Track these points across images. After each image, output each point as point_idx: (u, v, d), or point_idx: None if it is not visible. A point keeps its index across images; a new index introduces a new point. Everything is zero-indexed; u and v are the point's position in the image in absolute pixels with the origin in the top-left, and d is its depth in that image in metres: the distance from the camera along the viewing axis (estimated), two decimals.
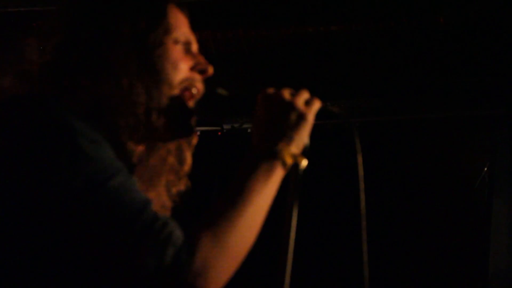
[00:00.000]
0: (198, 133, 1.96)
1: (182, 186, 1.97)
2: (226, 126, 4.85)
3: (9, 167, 1.55)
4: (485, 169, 4.57)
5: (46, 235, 1.55)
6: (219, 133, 4.81)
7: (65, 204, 1.51)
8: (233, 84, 2.02)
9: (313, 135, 1.84)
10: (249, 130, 4.93)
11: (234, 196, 1.66)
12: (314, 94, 1.87)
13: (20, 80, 1.78)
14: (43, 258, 1.56)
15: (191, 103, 1.89)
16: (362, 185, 1.86)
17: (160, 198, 1.92)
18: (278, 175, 1.75)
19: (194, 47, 1.93)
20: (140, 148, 1.85)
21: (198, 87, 1.90)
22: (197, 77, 1.90)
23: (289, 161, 1.77)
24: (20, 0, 4.13)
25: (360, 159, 1.88)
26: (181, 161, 1.95)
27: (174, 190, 1.96)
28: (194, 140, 1.97)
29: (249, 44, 4.66)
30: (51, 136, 1.55)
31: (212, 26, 1.97)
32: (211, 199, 2.07)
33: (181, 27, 1.89)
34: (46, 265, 1.57)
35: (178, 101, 1.84)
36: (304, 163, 1.82)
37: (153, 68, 1.78)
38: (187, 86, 1.87)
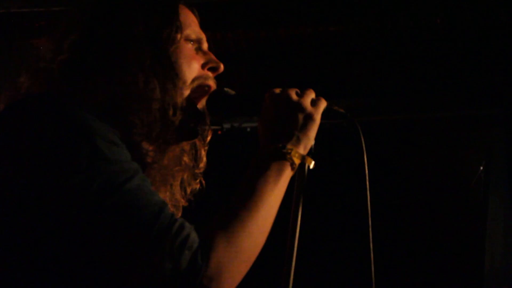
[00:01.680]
0: (219, 131, 1.94)
1: (196, 185, 1.98)
2: (225, 125, 4.87)
3: (28, 167, 1.54)
4: (481, 168, 4.57)
5: (62, 236, 1.54)
6: (219, 132, 4.82)
7: (83, 205, 1.50)
8: (232, 85, 1.95)
9: (317, 134, 1.84)
10: (248, 129, 4.96)
11: (246, 198, 1.65)
12: (316, 92, 1.86)
13: (36, 79, 1.77)
14: (59, 258, 1.55)
15: (203, 102, 1.90)
16: (367, 185, 1.85)
17: (174, 198, 1.93)
18: (287, 176, 1.74)
19: (205, 45, 1.94)
20: (152, 148, 1.82)
21: (211, 85, 1.90)
22: (209, 75, 1.90)
23: (297, 162, 1.76)
24: (22, 1, 4.10)
25: (365, 160, 1.87)
26: (196, 160, 1.96)
27: (188, 189, 1.97)
28: (209, 137, 1.97)
29: (249, 45, 4.67)
30: (69, 137, 1.54)
31: (212, 27, 1.99)
32: (211, 198, 2.07)
33: (191, 25, 1.90)
34: (62, 266, 1.55)
35: (189, 104, 1.84)
36: (312, 164, 1.83)
37: (167, 64, 1.78)
38: (199, 84, 1.87)
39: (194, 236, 1.52)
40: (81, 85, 1.70)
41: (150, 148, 1.78)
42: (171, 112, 1.77)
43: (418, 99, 5.02)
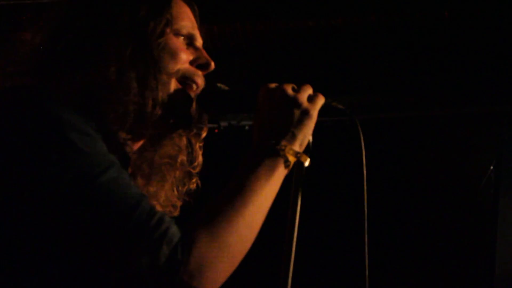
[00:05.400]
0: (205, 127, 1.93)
1: (192, 184, 1.94)
2: (223, 123, 4.84)
3: None
4: (491, 167, 4.50)
5: (36, 232, 1.52)
6: (216, 130, 4.80)
7: (56, 199, 1.48)
8: (230, 80, 1.94)
9: (315, 132, 1.80)
10: (246, 128, 4.94)
11: (234, 194, 1.62)
12: (316, 89, 1.81)
13: (9, 71, 1.76)
14: (35, 254, 1.53)
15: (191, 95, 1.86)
16: (365, 186, 1.82)
17: (169, 196, 1.90)
18: (280, 173, 1.71)
19: (198, 41, 1.90)
20: (142, 143, 1.82)
21: (198, 82, 1.85)
22: (198, 72, 1.86)
23: (292, 159, 1.73)
24: None
25: (364, 158, 1.83)
26: (191, 159, 1.93)
27: (183, 188, 1.93)
28: (203, 134, 1.93)
29: (247, 39, 4.60)
30: (41, 130, 1.52)
31: (208, 20, 1.95)
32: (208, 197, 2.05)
33: (184, 19, 1.86)
34: (38, 262, 1.53)
35: (177, 90, 1.80)
36: (307, 161, 1.78)
37: (150, 57, 1.75)
38: (186, 77, 1.83)
39: (174, 230, 1.50)
40: (55, 75, 1.71)
41: (128, 137, 1.75)
42: (149, 106, 1.72)
43: (424, 96, 4.96)
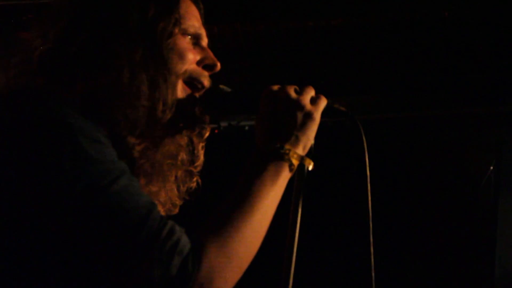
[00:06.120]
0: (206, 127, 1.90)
1: (192, 184, 1.92)
2: (223, 124, 4.82)
3: (9, 169, 1.50)
4: (491, 167, 4.53)
5: (47, 240, 1.51)
6: (216, 131, 4.78)
7: (67, 209, 1.47)
8: (231, 80, 1.92)
9: (317, 133, 1.78)
10: (246, 128, 4.93)
11: (241, 200, 1.61)
12: (317, 90, 1.81)
13: (16, 72, 1.72)
14: (45, 262, 1.52)
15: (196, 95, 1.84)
16: (369, 187, 1.80)
17: (169, 195, 1.87)
18: (284, 177, 1.70)
19: (204, 41, 1.87)
20: (145, 143, 1.78)
21: (205, 83, 1.83)
22: (204, 73, 1.84)
23: (296, 163, 1.72)
24: None
25: (367, 160, 1.82)
26: (192, 158, 1.89)
27: (184, 187, 1.90)
28: (206, 134, 1.90)
29: (247, 39, 4.59)
30: (51, 136, 1.50)
31: (208, 20, 1.93)
32: (209, 198, 2.04)
33: (191, 19, 1.84)
34: (48, 270, 1.52)
35: (184, 91, 1.79)
36: (311, 165, 1.78)
37: (160, 59, 1.72)
38: (193, 77, 1.80)
39: (185, 240, 1.49)
40: (63, 77, 1.67)
41: (139, 143, 1.71)
42: (160, 109, 1.70)
43: (424, 96, 4.96)
